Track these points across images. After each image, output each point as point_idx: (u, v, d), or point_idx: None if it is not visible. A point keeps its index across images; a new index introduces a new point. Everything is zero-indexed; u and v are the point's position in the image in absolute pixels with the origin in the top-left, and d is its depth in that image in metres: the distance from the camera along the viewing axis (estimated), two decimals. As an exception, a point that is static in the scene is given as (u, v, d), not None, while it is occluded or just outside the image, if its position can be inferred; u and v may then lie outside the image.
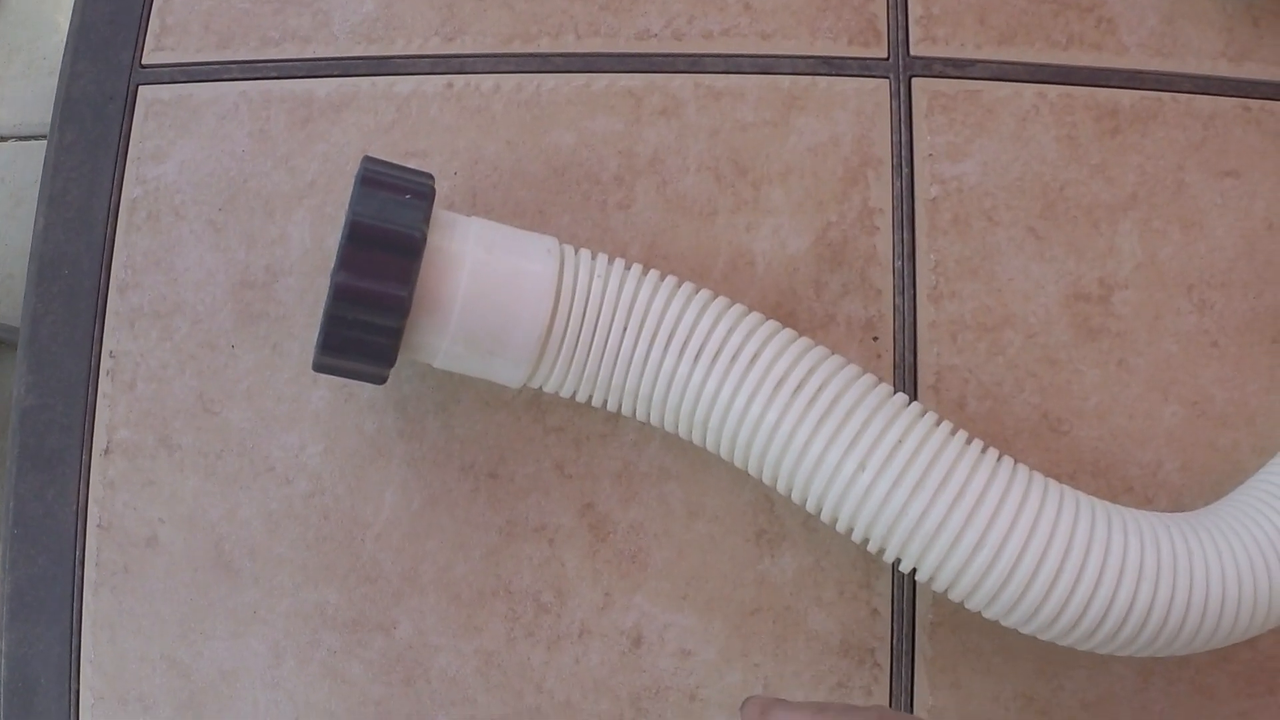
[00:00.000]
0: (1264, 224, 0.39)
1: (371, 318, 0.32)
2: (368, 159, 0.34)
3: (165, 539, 0.40)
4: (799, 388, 0.33)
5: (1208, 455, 0.38)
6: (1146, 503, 0.38)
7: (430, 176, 0.34)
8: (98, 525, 0.40)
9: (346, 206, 0.39)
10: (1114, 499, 0.37)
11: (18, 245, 0.65)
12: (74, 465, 0.41)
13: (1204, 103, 0.40)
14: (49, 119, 0.70)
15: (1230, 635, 0.33)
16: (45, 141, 0.70)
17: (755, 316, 0.34)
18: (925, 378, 0.38)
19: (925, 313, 0.39)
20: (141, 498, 0.40)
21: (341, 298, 0.32)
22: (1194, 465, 0.38)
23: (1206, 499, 0.37)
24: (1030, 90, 0.40)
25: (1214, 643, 0.33)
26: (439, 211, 0.34)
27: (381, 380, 0.35)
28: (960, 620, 0.37)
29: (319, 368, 0.34)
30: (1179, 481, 0.38)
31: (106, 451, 0.41)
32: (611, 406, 0.35)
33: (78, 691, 0.40)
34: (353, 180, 0.40)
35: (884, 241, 0.39)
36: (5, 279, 0.67)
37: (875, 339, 0.38)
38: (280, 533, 0.39)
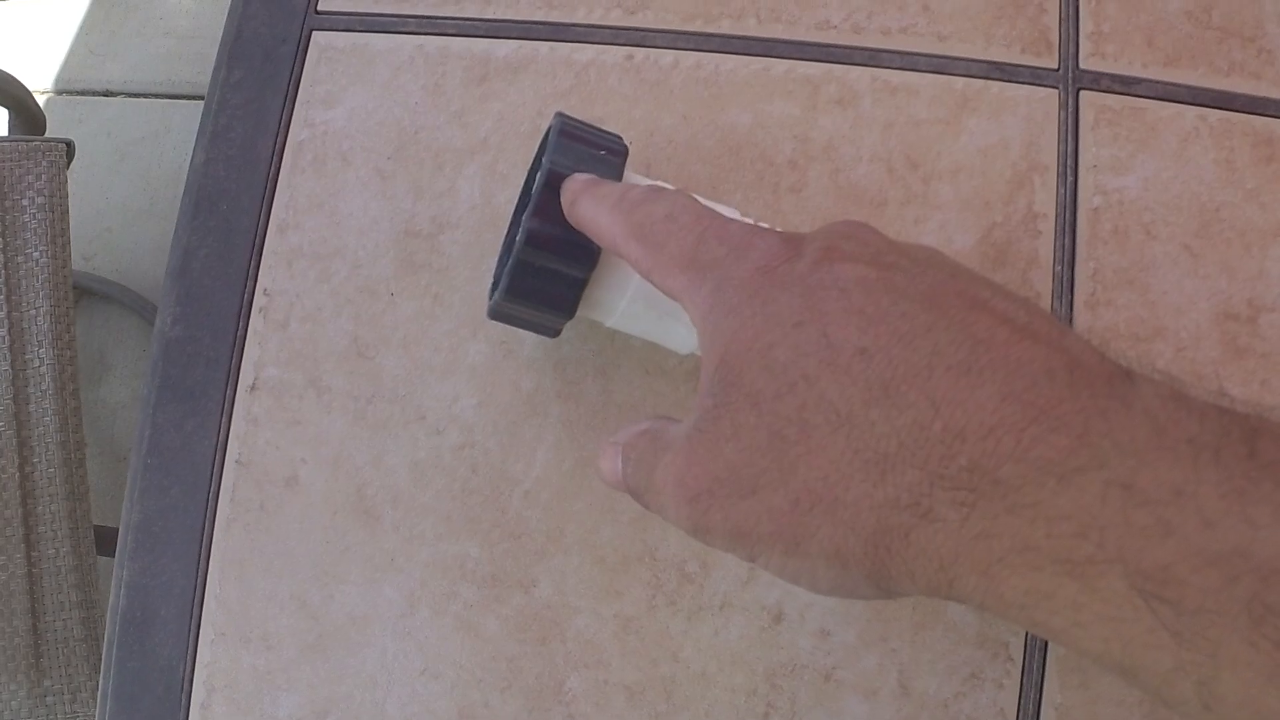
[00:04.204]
0: None
1: (559, 266, 0.32)
2: (562, 114, 0.35)
3: (306, 480, 0.40)
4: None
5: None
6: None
7: (621, 137, 0.35)
8: (237, 461, 0.40)
9: (521, 166, 0.40)
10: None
11: (119, 199, 0.65)
12: (217, 399, 0.41)
13: (1356, 141, 0.41)
14: (159, 78, 0.70)
15: None
16: (154, 100, 0.71)
17: None
18: (1079, 381, 0.39)
19: (1081, 318, 0.39)
20: (285, 437, 0.40)
21: (532, 243, 0.32)
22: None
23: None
24: (1192, 112, 0.41)
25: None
26: (628, 173, 0.35)
27: (555, 333, 0.36)
28: (1101, 621, 0.38)
29: (496, 314, 0.35)
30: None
31: (253, 388, 0.41)
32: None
33: (199, 626, 0.40)
34: (527, 141, 0.41)
35: (1046, 246, 0.40)
36: (103, 232, 0.67)
37: (1034, 339, 0.39)
38: (426, 482, 0.39)
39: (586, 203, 0.30)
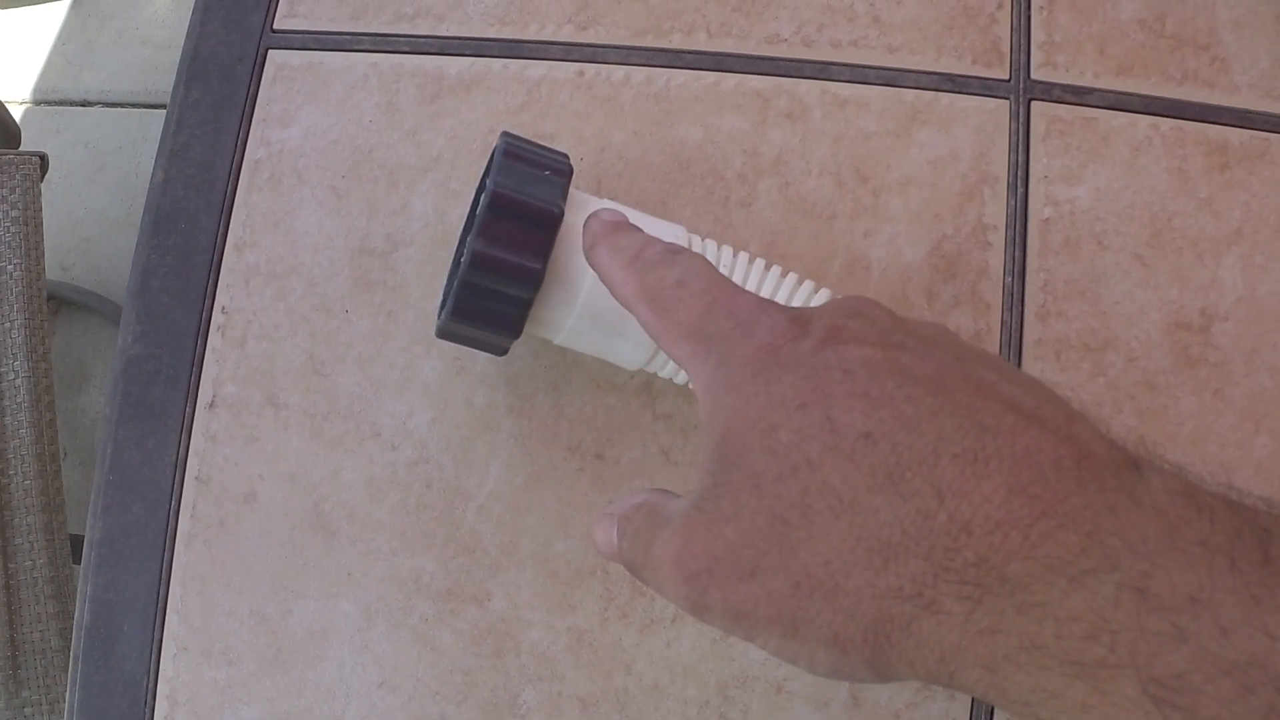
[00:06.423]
0: (1362, 269, 0.40)
1: (504, 287, 0.33)
2: (508, 134, 0.35)
3: (264, 496, 0.40)
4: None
5: (1297, 489, 0.39)
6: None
7: (567, 156, 0.35)
8: (196, 478, 0.41)
9: (473, 183, 0.40)
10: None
11: (97, 209, 0.65)
12: (177, 417, 0.41)
13: (1309, 147, 0.41)
14: (136, 87, 0.71)
15: None
16: (131, 110, 0.71)
17: None
18: (1029, 393, 0.39)
19: (1032, 329, 0.40)
20: (243, 453, 0.41)
21: (477, 265, 0.32)
22: (1284, 497, 0.39)
23: (1294, 531, 0.38)
24: (1144, 121, 0.41)
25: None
26: (573, 191, 0.35)
27: (503, 351, 0.36)
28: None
29: (444, 333, 0.35)
30: (1268, 512, 0.39)
31: (211, 405, 0.41)
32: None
33: (161, 641, 0.40)
34: (480, 158, 0.41)
35: (996, 258, 0.40)
36: (81, 242, 0.67)
37: (983, 351, 0.39)
38: (381, 498, 0.40)
39: (603, 252, 0.29)
